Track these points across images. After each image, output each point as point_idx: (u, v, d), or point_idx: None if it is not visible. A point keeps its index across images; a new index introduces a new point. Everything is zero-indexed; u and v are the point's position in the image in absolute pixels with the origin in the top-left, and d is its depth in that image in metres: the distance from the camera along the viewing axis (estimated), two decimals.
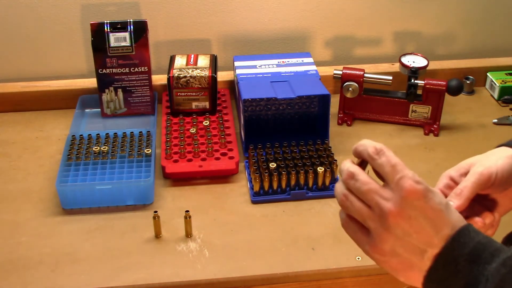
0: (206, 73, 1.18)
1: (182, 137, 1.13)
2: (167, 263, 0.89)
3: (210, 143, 1.11)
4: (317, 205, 1.01)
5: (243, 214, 0.99)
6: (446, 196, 0.69)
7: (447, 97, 1.18)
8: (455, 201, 0.66)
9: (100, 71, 1.18)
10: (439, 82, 1.17)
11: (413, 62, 1.18)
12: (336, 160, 1.04)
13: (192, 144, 1.11)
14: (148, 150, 1.07)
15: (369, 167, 0.59)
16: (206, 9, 1.32)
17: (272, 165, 1.02)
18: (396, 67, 1.23)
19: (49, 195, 1.03)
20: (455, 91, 1.17)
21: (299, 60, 1.23)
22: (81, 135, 1.12)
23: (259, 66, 1.21)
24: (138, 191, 1.00)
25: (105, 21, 1.16)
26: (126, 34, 1.16)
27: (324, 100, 1.15)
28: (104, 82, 1.19)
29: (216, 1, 1.31)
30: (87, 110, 1.26)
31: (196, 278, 0.87)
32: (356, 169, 0.57)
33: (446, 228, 0.54)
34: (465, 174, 0.69)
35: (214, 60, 1.23)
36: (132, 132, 1.14)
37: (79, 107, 1.24)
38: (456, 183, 0.70)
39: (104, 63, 1.17)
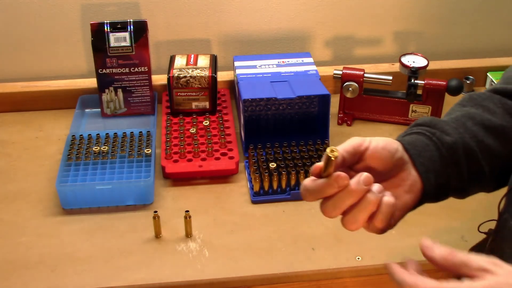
0: (206, 73, 1.18)
1: (182, 137, 1.13)
2: (167, 263, 0.89)
3: (210, 143, 1.11)
4: (317, 205, 1.00)
5: (243, 214, 0.99)
6: None
7: (447, 97, 1.18)
8: None
9: (100, 71, 1.18)
10: (439, 82, 1.17)
11: (413, 62, 1.18)
12: None
13: (192, 144, 1.11)
14: (148, 150, 1.07)
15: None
16: (206, 9, 1.32)
17: (272, 165, 1.02)
18: (396, 67, 1.23)
19: (49, 195, 1.03)
20: (455, 91, 1.17)
21: (299, 60, 1.23)
22: (81, 135, 1.12)
23: (259, 66, 1.21)
24: (138, 191, 1.00)
25: (105, 21, 1.16)
26: (126, 34, 1.16)
27: (324, 100, 1.15)
28: (104, 82, 1.19)
29: (216, 1, 1.31)
30: (87, 110, 1.26)
31: (196, 278, 0.87)
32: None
33: None
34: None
35: (214, 60, 1.23)
36: (132, 132, 1.14)
37: (79, 107, 1.24)
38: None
39: (104, 63, 1.17)
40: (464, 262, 0.55)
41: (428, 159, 0.66)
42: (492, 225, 0.89)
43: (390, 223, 0.63)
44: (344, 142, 0.64)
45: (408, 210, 0.66)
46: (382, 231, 0.63)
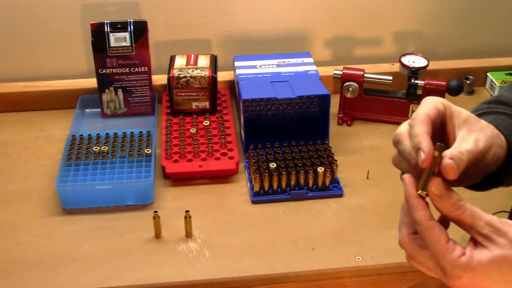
0: (206, 73, 1.18)
1: (182, 137, 1.13)
2: (167, 263, 0.89)
3: (210, 143, 1.11)
4: (317, 205, 1.01)
5: (243, 214, 0.99)
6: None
7: (447, 97, 1.18)
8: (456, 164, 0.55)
9: (100, 71, 1.18)
10: (439, 82, 1.17)
11: (413, 62, 1.18)
12: (336, 160, 1.04)
13: (192, 144, 1.11)
14: (148, 150, 1.07)
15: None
16: (206, 9, 1.32)
17: (272, 165, 1.02)
18: (396, 67, 1.23)
19: (49, 195, 1.03)
20: (455, 91, 1.17)
21: (299, 60, 1.23)
22: (81, 135, 1.12)
23: (259, 66, 1.21)
24: (138, 191, 1.00)
25: (105, 21, 1.16)
26: (126, 34, 1.16)
27: (324, 100, 1.15)
28: (104, 82, 1.19)
29: (216, 1, 1.31)
30: (87, 110, 1.26)
31: (196, 278, 0.87)
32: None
33: None
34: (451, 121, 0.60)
35: (214, 60, 1.23)
36: (132, 132, 1.14)
37: (79, 107, 1.24)
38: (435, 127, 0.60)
39: (104, 63, 1.17)
40: (473, 214, 0.54)
41: None
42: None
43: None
44: (470, 140, 0.58)
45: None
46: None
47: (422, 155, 0.56)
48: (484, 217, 0.54)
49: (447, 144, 0.60)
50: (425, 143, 0.56)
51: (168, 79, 1.18)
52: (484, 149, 0.59)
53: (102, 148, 1.09)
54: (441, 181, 0.55)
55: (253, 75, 1.17)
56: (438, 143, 0.56)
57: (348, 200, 1.02)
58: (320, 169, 1.01)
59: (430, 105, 0.60)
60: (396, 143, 0.60)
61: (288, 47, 1.39)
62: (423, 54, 1.21)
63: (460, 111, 0.60)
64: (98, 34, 1.15)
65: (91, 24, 1.16)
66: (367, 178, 1.07)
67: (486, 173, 0.64)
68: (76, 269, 0.88)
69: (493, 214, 0.86)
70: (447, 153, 0.56)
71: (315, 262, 0.89)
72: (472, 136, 0.58)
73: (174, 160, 1.08)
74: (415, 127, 0.58)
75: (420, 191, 0.57)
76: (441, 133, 0.62)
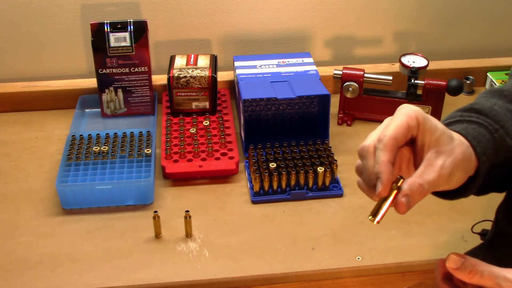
0: (206, 73, 1.18)
1: (182, 137, 1.13)
2: (167, 263, 0.89)
3: (210, 143, 1.11)
4: (317, 205, 1.01)
5: (243, 214, 1.00)
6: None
7: (447, 97, 1.18)
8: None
9: (100, 71, 1.18)
10: (439, 82, 1.17)
11: (413, 62, 1.18)
12: (336, 160, 1.04)
13: (192, 144, 1.11)
14: (148, 150, 1.07)
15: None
16: (206, 9, 1.32)
17: (272, 165, 1.02)
18: (396, 67, 1.23)
19: (49, 195, 1.03)
20: (455, 91, 1.17)
21: (299, 60, 1.23)
22: (81, 135, 1.12)
23: (259, 66, 1.21)
24: (138, 191, 1.00)
25: (105, 21, 1.16)
26: (126, 34, 1.16)
27: (324, 100, 1.15)
28: (104, 82, 1.19)
29: (216, 1, 1.31)
30: (87, 110, 1.26)
31: (196, 278, 0.87)
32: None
33: None
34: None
35: (214, 60, 1.23)
36: (132, 132, 1.14)
37: (79, 107, 1.24)
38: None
39: (104, 63, 1.17)
40: (491, 274, 0.55)
41: (487, 157, 0.62)
42: (486, 225, 0.88)
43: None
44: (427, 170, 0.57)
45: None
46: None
47: (380, 187, 0.55)
48: (501, 273, 0.54)
49: (414, 159, 0.60)
50: (385, 174, 0.55)
51: (168, 79, 1.18)
52: (449, 175, 0.58)
53: (102, 148, 1.09)
54: (454, 256, 0.56)
55: (253, 75, 1.17)
56: (399, 176, 0.56)
57: (348, 200, 1.02)
58: (320, 169, 1.01)
59: (401, 121, 0.58)
60: (361, 157, 0.59)
61: (288, 47, 1.39)
62: (423, 54, 1.21)
63: (434, 128, 0.58)
64: (98, 34, 1.15)
65: (91, 24, 1.16)
66: None
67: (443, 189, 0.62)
68: (76, 269, 0.88)
69: (476, 224, 0.86)
70: (407, 185, 0.56)
71: (315, 262, 0.89)
72: (439, 162, 0.57)
73: (174, 160, 1.08)
74: (380, 152, 0.57)
75: (371, 216, 0.58)
76: (411, 144, 0.60)
